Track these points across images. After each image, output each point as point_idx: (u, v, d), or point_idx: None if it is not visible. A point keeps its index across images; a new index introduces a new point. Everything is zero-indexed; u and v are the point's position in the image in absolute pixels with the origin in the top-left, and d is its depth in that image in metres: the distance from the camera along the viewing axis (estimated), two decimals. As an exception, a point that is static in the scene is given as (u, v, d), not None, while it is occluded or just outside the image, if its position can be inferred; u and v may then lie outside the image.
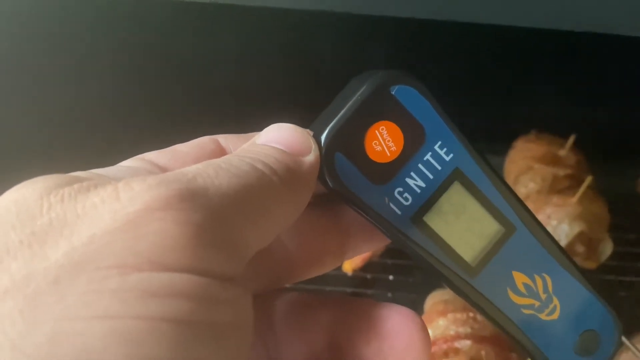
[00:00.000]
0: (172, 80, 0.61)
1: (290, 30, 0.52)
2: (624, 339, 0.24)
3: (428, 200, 0.20)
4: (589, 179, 0.54)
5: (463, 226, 0.20)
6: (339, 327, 0.20)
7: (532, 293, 0.21)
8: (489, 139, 0.69)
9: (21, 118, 0.62)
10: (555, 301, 0.21)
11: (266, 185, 0.16)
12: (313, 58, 0.58)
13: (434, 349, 0.46)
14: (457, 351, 0.45)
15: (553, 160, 0.59)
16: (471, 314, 0.46)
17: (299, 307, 0.20)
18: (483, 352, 0.45)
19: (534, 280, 0.21)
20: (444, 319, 0.46)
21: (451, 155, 0.20)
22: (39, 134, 0.62)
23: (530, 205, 0.58)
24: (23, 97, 0.60)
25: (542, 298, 0.21)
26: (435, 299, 0.50)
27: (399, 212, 0.19)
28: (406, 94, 0.19)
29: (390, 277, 0.59)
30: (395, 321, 0.19)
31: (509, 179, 0.64)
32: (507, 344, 0.46)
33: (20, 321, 0.12)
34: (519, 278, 0.21)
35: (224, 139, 0.20)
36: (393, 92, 0.19)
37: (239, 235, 0.15)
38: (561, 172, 0.58)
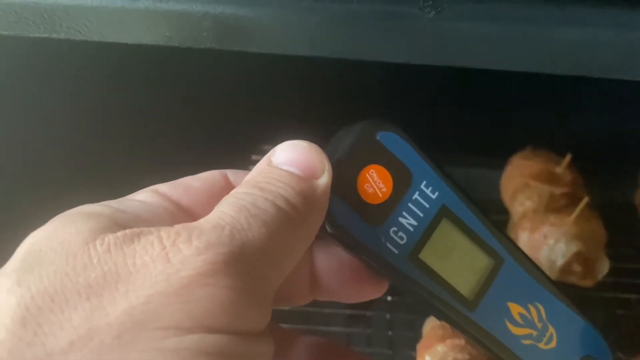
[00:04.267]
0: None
1: (274, 76, 0.52)
2: None
3: (421, 238, 0.21)
4: (585, 200, 0.54)
5: (456, 261, 0.21)
6: None
7: (528, 322, 0.22)
8: (486, 153, 0.69)
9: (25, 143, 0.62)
10: (551, 329, 0.23)
11: (289, 225, 0.17)
12: (297, 104, 0.58)
13: (433, 375, 0.46)
14: (455, 377, 0.45)
15: (549, 178, 0.59)
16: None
17: (281, 342, 0.22)
18: (481, 379, 0.45)
19: (528, 310, 0.22)
20: (442, 345, 0.47)
21: (437, 193, 0.21)
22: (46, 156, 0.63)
23: (527, 224, 0.59)
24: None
25: (538, 327, 0.22)
26: (433, 323, 0.50)
27: (396, 251, 0.20)
28: (389, 139, 0.21)
29: (389, 298, 0.59)
30: None
31: (507, 195, 0.64)
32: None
33: None
34: (515, 309, 0.22)
35: (232, 175, 0.21)
36: (378, 138, 0.20)
37: (269, 286, 0.17)
38: (558, 190, 0.58)
